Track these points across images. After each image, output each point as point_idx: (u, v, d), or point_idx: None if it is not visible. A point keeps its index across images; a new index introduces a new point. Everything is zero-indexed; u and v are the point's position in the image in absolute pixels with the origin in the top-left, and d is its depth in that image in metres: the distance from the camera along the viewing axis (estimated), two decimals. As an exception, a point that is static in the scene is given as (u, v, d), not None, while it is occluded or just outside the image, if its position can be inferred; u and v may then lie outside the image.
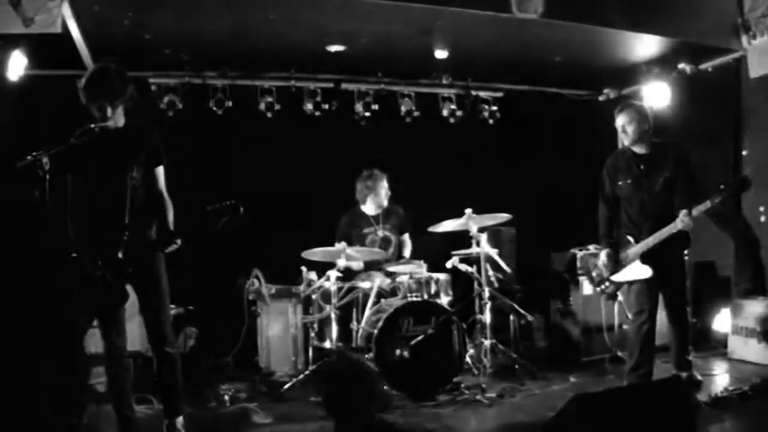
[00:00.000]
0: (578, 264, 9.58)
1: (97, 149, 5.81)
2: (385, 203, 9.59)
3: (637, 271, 7.23)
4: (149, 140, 6.20)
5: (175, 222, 6.17)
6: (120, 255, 5.73)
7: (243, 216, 5.71)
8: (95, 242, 5.79)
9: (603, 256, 7.53)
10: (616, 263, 7.40)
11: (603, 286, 7.68)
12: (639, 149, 7.32)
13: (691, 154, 7.36)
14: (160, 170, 6.24)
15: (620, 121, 7.32)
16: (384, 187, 9.52)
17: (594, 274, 7.82)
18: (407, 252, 9.68)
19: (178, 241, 5.92)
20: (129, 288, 5.90)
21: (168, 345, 6.20)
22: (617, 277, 7.45)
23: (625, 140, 7.37)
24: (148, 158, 6.12)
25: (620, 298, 8.68)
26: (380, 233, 9.52)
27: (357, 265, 9.14)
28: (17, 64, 8.19)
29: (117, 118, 5.96)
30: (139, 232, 5.94)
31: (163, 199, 6.23)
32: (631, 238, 7.29)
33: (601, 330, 9.33)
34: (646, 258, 7.16)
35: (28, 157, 5.04)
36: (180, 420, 6.27)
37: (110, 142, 5.90)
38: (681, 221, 6.84)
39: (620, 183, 7.41)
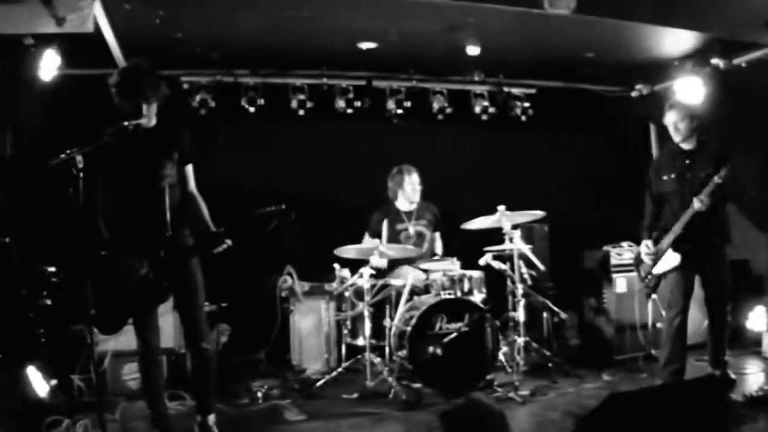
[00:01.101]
0: (613, 260, 9.55)
1: (131, 147, 5.82)
2: (416, 198, 9.58)
3: (670, 260, 7.26)
4: (181, 138, 6.21)
5: (217, 222, 6.16)
6: (161, 254, 5.76)
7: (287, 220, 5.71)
8: (135, 241, 5.82)
9: (642, 247, 7.57)
10: (654, 255, 7.42)
11: (647, 280, 7.69)
12: (686, 145, 7.36)
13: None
14: (190, 169, 6.25)
15: (671, 118, 7.36)
16: (414, 182, 9.52)
17: (641, 267, 7.81)
18: (439, 249, 9.67)
19: (229, 242, 5.91)
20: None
21: (204, 341, 6.20)
22: (657, 270, 7.46)
23: (675, 137, 7.39)
24: (180, 156, 6.13)
25: (654, 296, 8.67)
26: (413, 229, 9.51)
27: (381, 263, 9.10)
28: (50, 64, 8.24)
29: (150, 116, 5.96)
30: (176, 231, 5.96)
31: (196, 197, 6.23)
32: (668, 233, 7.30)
33: (634, 328, 9.29)
34: (677, 246, 7.21)
35: (62, 155, 5.05)
36: (212, 417, 6.28)
37: (144, 140, 5.91)
38: (696, 201, 6.96)
39: (665, 178, 7.45)
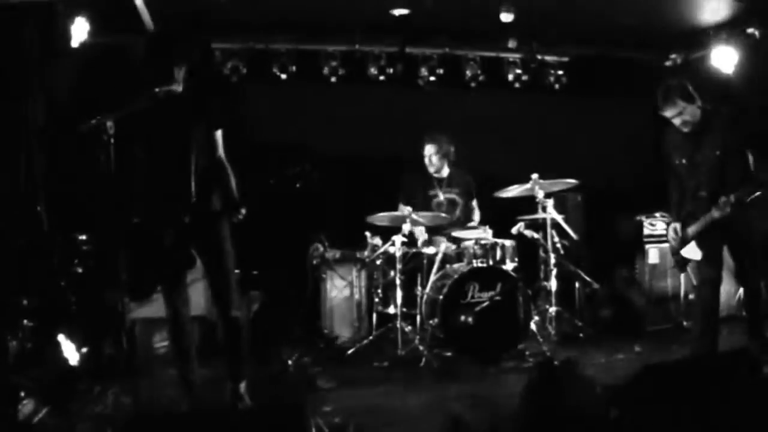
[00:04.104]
0: (646, 230, 9.48)
1: (162, 113, 5.78)
2: (433, 169, 9.49)
3: (695, 252, 7.06)
4: (211, 104, 6.16)
5: (243, 187, 6.14)
6: (186, 220, 5.74)
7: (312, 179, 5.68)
8: (161, 207, 5.80)
9: (670, 230, 7.29)
10: (682, 238, 7.17)
11: (675, 258, 7.56)
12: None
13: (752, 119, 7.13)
14: (219, 134, 6.19)
15: (673, 111, 6.81)
16: (428, 153, 9.42)
17: (673, 243, 7.68)
18: (476, 217, 9.61)
19: (244, 211, 5.90)
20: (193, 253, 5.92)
21: (235, 309, 6.18)
22: (684, 253, 7.29)
23: (684, 128, 6.86)
24: (209, 122, 6.09)
25: (688, 268, 8.60)
26: (443, 196, 9.43)
27: (420, 232, 9.05)
28: (80, 30, 8.25)
29: (180, 82, 5.93)
30: (204, 197, 5.93)
31: (224, 164, 6.18)
32: (695, 216, 7.02)
33: (667, 299, 9.24)
34: (701, 239, 6.94)
35: (92, 121, 5.03)
36: (243, 384, 6.27)
37: (174, 105, 5.85)
38: (717, 209, 6.58)
39: (676, 162, 7.07)
